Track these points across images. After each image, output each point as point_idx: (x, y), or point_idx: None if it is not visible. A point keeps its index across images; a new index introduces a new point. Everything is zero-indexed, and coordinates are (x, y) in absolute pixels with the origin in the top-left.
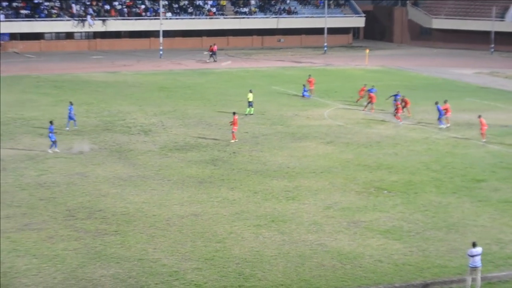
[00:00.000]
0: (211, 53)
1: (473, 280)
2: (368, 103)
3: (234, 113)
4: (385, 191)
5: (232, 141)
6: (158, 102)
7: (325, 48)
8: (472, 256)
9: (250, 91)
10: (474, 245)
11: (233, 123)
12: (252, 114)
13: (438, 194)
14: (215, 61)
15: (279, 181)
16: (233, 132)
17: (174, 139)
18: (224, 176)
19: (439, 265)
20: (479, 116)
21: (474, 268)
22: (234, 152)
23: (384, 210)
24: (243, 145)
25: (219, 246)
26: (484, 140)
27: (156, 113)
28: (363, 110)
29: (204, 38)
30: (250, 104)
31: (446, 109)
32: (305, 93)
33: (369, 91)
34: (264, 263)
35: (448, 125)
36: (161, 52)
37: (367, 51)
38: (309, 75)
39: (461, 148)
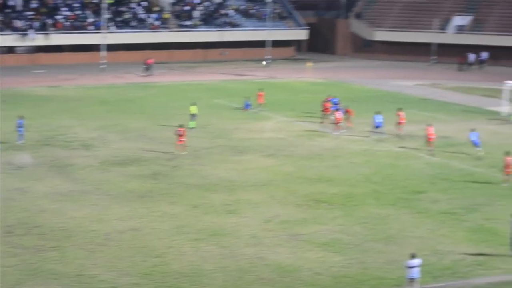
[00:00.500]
0: (146, 66)
1: None
2: (325, 115)
3: (180, 126)
4: (325, 204)
5: (179, 152)
6: (99, 116)
7: (269, 61)
8: (411, 267)
9: (194, 104)
10: (412, 256)
11: (179, 135)
12: (194, 128)
13: (378, 206)
14: (151, 74)
15: (219, 195)
16: (179, 144)
17: (115, 154)
18: (164, 190)
19: (378, 277)
20: (429, 125)
21: (412, 280)
22: (174, 166)
23: (323, 223)
24: (184, 159)
25: (158, 261)
26: (430, 148)
27: (97, 127)
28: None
29: (148, 51)
30: (193, 117)
31: (400, 118)
32: (247, 106)
33: (331, 101)
34: (203, 277)
35: (401, 132)
36: (104, 66)
37: (310, 64)
38: (259, 89)
39: (401, 159)
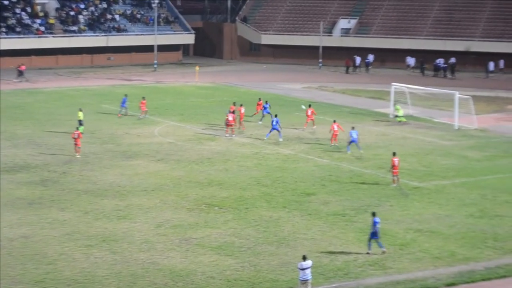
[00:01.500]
0: (19, 72)
1: None
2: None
3: (77, 128)
4: (216, 207)
5: (77, 155)
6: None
7: (155, 66)
8: (303, 269)
9: (80, 110)
10: (304, 258)
11: (76, 138)
12: (82, 133)
13: (269, 208)
14: (27, 80)
15: (110, 200)
16: (77, 147)
17: (3, 161)
18: (54, 196)
19: (271, 279)
20: (334, 121)
21: (304, 281)
22: (64, 172)
23: (215, 226)
24: (73, 165)
25: (50, 268)
26: (332, 144)
27: (58, 132)
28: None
29: (33, 57)
30: (80, 123)
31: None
32: (123, 105)
33: (264, 107)
34: (96, 284)
35: (314, 127)
36: None
37: (197, 68)
38: (143, 97)
39: (291, 162)
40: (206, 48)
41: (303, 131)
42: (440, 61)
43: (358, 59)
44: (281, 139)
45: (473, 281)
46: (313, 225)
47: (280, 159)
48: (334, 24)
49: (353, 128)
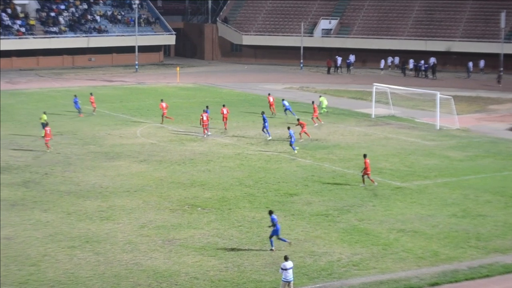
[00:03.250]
0: None
1: None
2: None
3: (46, 124)
4: (199, 208)
5: (48, 150)
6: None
7: (137, 67)
8: (286, 269)
9: (44, 113)
10: (286, 258)
11: (46, 135)
12: (43, 137)
13: (252, 209)
14: None
15: (92, 201)
16: (46, 142)
17: None
18: (36, 198)
19: (255, 280)
20: (298, 119)
21: (287, 282)
22: (46, 174)
23: (198, 227)
24: (55, 166)
25: (33, 269)
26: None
27: (23, 135)
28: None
29: (14, 58)
30: (43, 125)
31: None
32: (77, 105)
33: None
34: (80, 285)
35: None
36: None
37: (178, 69)
38: (90, 93)
39: (273, 163)
40: (187, 49)
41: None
42: (421, 62)
43: (339, 60)
44: (269, 138)
45: (456, 281)
46: (296, 226)
47: (263, 159)
48: (315, 24)
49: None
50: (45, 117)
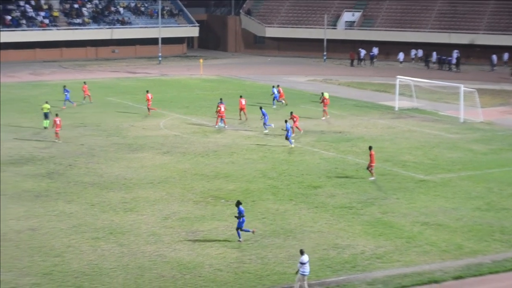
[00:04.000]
0: None
1: (300, 287)
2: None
3: (56, 115)
4: (223, 200)
5: (56, 140)
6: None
7: (160, 58)
8: (304, 263)
9: (46, 102)
10: (302, 252)
11: (56, 125)
12: (47, 128)
13: (276, 201)
14: None
15: (116, 193)
16: (56, 133)
17: (9, 153)
18: (60, 189)
19: (278, 272)
20: (291, 113)
21: (303, 276)
22: (70, 165)
23: (222, 219)
24: (79, 158)
25: (57, 260)
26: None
27: (23, 127)
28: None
29: (38, 50)
30: (45, 115)
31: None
32: (67, 97)
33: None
34: (103, 276)
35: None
36: None
37: (201, 60)
38: (84, 82)
39: (297, 155)
40: (211, 41)
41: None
42: (454, 54)
43: (362, 52)
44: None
45: (480, 274)
46: (319, 218)
47: (286, 152)
48: (338, 17)
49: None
50: (47, 106)
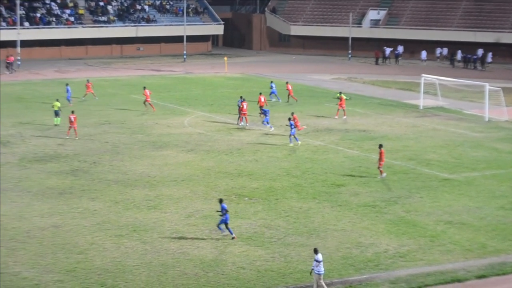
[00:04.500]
0: (7, 64)
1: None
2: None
3: (72, 112)
4: (246, 198)
5: (74, 137)
6: (16, 113)
7: (185, 56)
8: (319, 262)
9: (57, 100)
10: (316, 251)
11: (70, 121)
12: (58, 125)
13: (299, 199)
14: (13, 71)
15: (140, 190)
16: (71, 127)
17: (33, 150)
18: (84, 186)
19: (301, 270)
20: (292, 113)
21: (319, 275)
22: (94, 162)
23: (245, 217)
24: (103, 155)
25: (80, 257)
26: (300, 128)
27: (14, 124)
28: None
29: (63, 47)
30: (56, 113)
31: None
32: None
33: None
34: (127, 273)
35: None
36: (18, 63)
37: (226, 58)
38: (87, 80)
39: (321, 153)
40: (235, 39)
41: (335, 120)
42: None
43: (387, 50)
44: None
45: (504, 273)
46: (343, 216)
47: (310, 150)
48: (363, 15)
49: (289, 119)
50: (58, 104)
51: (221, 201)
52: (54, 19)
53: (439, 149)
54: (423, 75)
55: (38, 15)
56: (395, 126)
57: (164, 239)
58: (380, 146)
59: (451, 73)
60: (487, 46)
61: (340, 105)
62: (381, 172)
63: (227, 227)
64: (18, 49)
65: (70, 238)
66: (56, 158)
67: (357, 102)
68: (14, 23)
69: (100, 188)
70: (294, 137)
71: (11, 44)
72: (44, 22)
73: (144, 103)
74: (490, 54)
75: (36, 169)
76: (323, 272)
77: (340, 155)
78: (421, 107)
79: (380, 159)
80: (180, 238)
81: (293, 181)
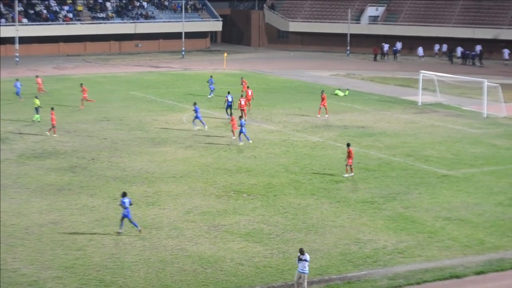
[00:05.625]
0: None
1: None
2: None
3: (52, 108)
4: (245, 194)
5: (52, 134)
6: (15, 109)
7: (183, 53)
8: (307, 260)
9: (36, 97)
10: (302, 252)
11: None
12: (39, 121)
13: (297, 196)
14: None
15: (138, 187)
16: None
17: (32, 147)
18: (83, 183)
19: None
20: (231, 114)
21: (303, 273)
22: (92, 159)
23: (244, 213)
24: (102, 151)
25: (79, 253)
26: (234, 137)
27: (12, 120)
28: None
29: (61, 44)
30: (36, 110)
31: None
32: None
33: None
34: (125, 270)
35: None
36: (17, 59)
37: (225, 55)
38: (36, 76)
39: (319, 149)
40: (234, 35)
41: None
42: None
43: (386, 47)
44: (206, 128)
45: (502, 270)
46: (341, 213)
47: (309, 146)
48: (362, 11)
49: (241, 117)
50: (37, 102)
51: (124, 194)
52: (50, 15)
53: (438, 145)
54: (422, 71)
55: (32, 13)
56: (393, 122)
57: (163, 236)
58: (348, 145)
59: (449, 69)
60: (485, 42)
61: (323, 104)
62: (347, 170)
63: (130, 221)
64: (17, 45)
65: (69, 234)
66: (55, 154)
67: (356, 98)
68: (12, 20)
69: (98, 184)
70: (245, 136)
71: (9, 40)
72: (43, 18)
73: (82, 100)
74: (506, 51)
75: (35, 165)
76: (307, 272)
77: (338, 152)
78: (420, 104)
79: (349, 157)
80: (178, 234)
81: (292, 178)
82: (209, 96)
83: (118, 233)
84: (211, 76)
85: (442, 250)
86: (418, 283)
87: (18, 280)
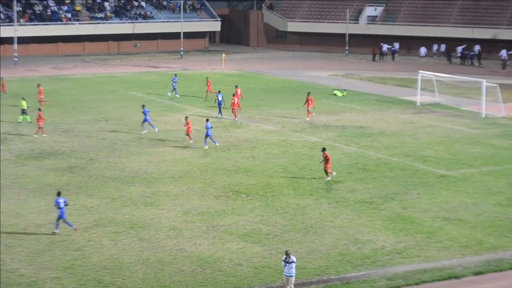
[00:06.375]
0: None
1: None
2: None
3: (39, 109)
4: (243, 195)
5: (40, 135)
6: (13, 109)
7: (182, 53)
8: (294, 262)
9: (23, 99)
10: (288, 254)
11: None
12: (30, 122)
13: (296, 196)
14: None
15: (137, 187)
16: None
17: (30, 147)
18: (81, 183)
19: (298, 267)
20: (186, 117)
21: (290, 276)
22: (91, 159)
23: (242, 214)
24: (100, 152)
25: (77, 254)
26: (191, 141)
27: (11, 121)
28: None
29: (60, 44)
30: (23, 111)
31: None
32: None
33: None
34: (124, 270)
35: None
36: (15, 59)
37: (224, 55)
38: (38, 85)
39: (318, 150)
40: (232, 36)
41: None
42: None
43: (384, 47)
44: (156, 129)
45: (501, 270)
46: (340, 213)
47: (307, 146)
48: (360, 11)
49: (207, 120)
50: (24, 103)
51: (58, 194)
52: (54, 15)
53: (436, 145)
54: (420, 71)
55: (30, 13)
56: (392, 122)
57: (161, 236)
58: (324, 149)
59: (448, 70)
60: (483, 42)
61: (308, 104)
62: (327, 174)
63: (65, 221)
64: (15, 45)
65: (67, 235)
66: (53, 155)
67: (354, 98)
68: (11, 20)
69: (97, 185)
70: (211, 139)
71: (7, 40)
72: (41, 18)
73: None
74: (504, 52)
75: (33, 166)
76: (294, 275)
77: (337, 152)
78: (418, 104)
79: (326, 162)
80: (177, 235)
81: (290, 178)
82: (169, 94)
83: (54, 233)
84: (175, 75)
85: (440, 250)
86: (416, 284)
87: (16, 280)
